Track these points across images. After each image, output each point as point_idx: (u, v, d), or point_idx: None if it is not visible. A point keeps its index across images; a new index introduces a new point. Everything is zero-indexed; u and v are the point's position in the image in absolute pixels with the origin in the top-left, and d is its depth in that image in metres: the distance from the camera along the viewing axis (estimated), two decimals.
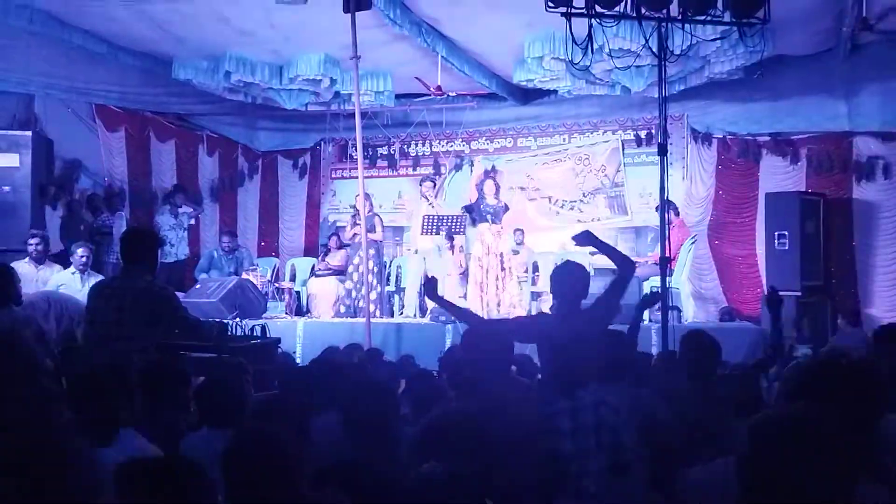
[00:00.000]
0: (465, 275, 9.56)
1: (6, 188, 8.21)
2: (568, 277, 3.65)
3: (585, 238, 3.90)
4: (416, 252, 9.76)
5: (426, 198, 9.74)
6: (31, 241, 7.36)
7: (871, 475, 2.03)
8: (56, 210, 8.98)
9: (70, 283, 7.04)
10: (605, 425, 3.12)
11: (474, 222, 9.13)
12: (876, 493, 1.97)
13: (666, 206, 6.00)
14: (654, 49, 5.91)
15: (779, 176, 10.14)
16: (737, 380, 3.84)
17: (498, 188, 9.30)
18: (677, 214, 9.41)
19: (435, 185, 10.50)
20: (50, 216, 8.83)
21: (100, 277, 7.18)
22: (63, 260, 7.73)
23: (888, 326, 4.22)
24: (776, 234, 9.23)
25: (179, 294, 8.69)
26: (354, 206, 9.82)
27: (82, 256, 7.26)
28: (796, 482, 1.65)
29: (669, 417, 3.34)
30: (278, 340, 4.90)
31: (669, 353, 4.40)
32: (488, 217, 9.04)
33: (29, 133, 8.42)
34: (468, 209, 9.26)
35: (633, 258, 9.70)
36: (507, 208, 9.28)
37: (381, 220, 9.97)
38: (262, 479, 2.13)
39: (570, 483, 3.05)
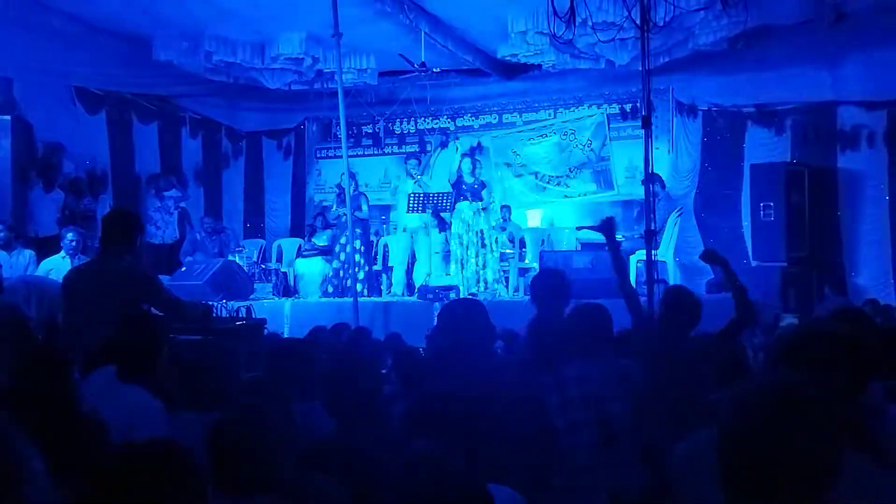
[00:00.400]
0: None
1: None
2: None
3: (711, 257, 4.09)
4: (404, 230, 9.74)
5: (412, 175, 9.70)
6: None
7: (856, 443, 2.03)
8: (51, 194, 9.00)
9: (60, 267, 7.00)
10: (591, 398, 3.12)
11: (456, 200, 9.12)
12: (861, 460, 1.97)
13: (651, 179, 5.99)
14: (637, 21, 5.87)
15: (764, 147, 10.15)
16: (715, 343, 3.84)
17: (474, 166, 9.27)
18: (663, 187, 9.41)
19: (420, 162, 10.46)
20: (40, 199, 8.85)
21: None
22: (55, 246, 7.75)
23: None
24: (762, 205, 9.26)
25: (166, 277, 8.70)
26: (340, 186, 9.77)
27: (72, 241, 7.29)
28: (779, 451, 1.64)
29: (652, 386, 3.34)
30: (264, 321, 4.88)
31: (647, 318, 4.38)
32: (468, 195, 9.05)
33: (8, 117, 8.33)
34: (454, 187, 9.26)
35: (622, 234, 9.82)
36: (483, 185, 9.27)
37: (367, 198, 9.93)
38: (247, 461, 2.11)
39: (562, 457, 3.05)
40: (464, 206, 9.03)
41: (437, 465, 1.82)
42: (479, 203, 9.10)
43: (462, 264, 8.89)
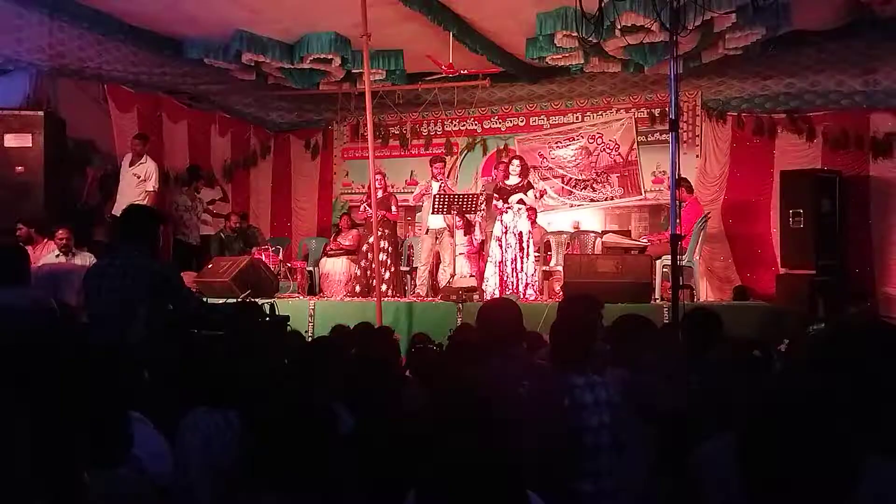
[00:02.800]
0: (477, 254, 9.54)
1: (19, 168, 8.25)
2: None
3: None
4: (427, 232, 9.74)
5: (436, 177, 9.70)
6: (20, 225, 7.67)
7: (882, 447, 2.00)
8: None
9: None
10: (603, 403, 3.15)
11: (500, 201, 9.02)
12: (884, 466, 1.94)
13: (678, 183, 5.94)
14: (667, 24, 5.84)
15: (794, 153, 10.04)
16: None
17: (524, 169, 9.13)
18: (690, 192, 9.34)
19: (445, 164, 10.45)
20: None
21: (87, 255, 7.34)
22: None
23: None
24: (791, 212, 9.15)
25: (192, 274, 8.78)
26: (367, 186, 9.81)
27: (61, 238, 7.52)
28: (803, 454, 1.63)
29: (672, 396, 3.32)
30: (287, 319, 4.89)
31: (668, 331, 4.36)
32: (509, 196, 8.96)
33: (41, 113, 8.43)
34: (495, 189, 9.16)
35: (646, 236, 9.69)
36: (530, 185, 9.17)
37: (395, 199, 9.97)
38: (293, 458, 2.17)
39: (585, 456, 3.07)
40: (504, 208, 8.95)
41: (479, 462, 1.80)
42: (522, 205, 8.97)
43: (500, 266, 8.81)
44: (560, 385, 3.19)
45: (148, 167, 9.32)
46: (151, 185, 9.26)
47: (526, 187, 9.01)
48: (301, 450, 2.18)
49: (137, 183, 9.19)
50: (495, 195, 9.07)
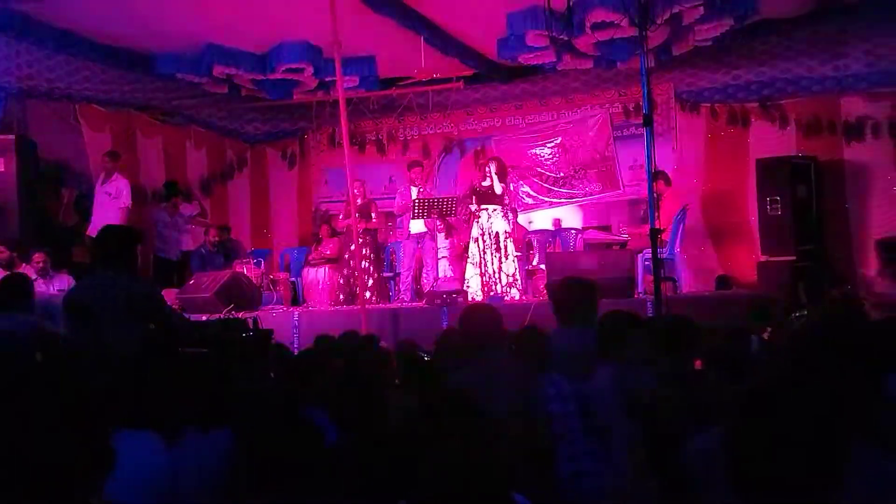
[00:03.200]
0: (460, 256, 9.54)
1: None
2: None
3: None
4: (409, 236, 9.74)
5: (415, 182, 9.70)
6: (1, 248, 7.59)
7: (868, 436, 2.01)
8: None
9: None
10: (567, 394, 3.18)
11: (474, 203, 9.02)
12: (872, 453, 1.95)
13: (655, 176, 5.97)
14: (636, 19, 5.87)
15: (769, 141, 10.10)
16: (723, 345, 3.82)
17: (501, 169, 9.12)
18: (668, 184, 9.38)
19: (423, 168, 10.44)
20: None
21: (64, 278, 7.27)
22: None
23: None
24: (768, 199, 9.20)
25: (174, 290, 8.72)
26: (346, 194, 9.78)
27: (38, 262, 7.44)
28: (788, 448, 1.64)
29: (659, 391, 3.33)
30: (271, 332, 4.87)
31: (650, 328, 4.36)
32: (486, 197, 8.96)
33: (12, 136, 8.35)
34: (471, 191, 9.16)
35: (626, 231, 9.73)
36: (506, 186, 9.16)
37: (376, 205, 9.95)
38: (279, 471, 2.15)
39: (558, 442, 3.09)
40: (480, 209, 8.94)
41: (465, 465, 1.80)
42: (497, 205, 8.96)
43: (480, 267, 8.82)
44: (528, 383, 3.22)
45: (119, 184, 9.20)
46: (123, 201, 9.13)
47: (502, 188, 9.02)
48: (291, 462, 2.17)
49: (110, 201, 9.10)
50: (472, 198, 9.07)
